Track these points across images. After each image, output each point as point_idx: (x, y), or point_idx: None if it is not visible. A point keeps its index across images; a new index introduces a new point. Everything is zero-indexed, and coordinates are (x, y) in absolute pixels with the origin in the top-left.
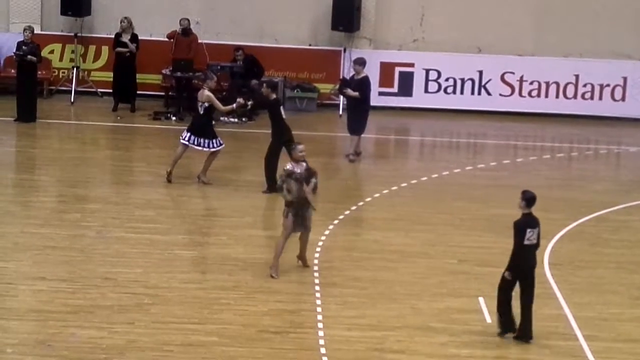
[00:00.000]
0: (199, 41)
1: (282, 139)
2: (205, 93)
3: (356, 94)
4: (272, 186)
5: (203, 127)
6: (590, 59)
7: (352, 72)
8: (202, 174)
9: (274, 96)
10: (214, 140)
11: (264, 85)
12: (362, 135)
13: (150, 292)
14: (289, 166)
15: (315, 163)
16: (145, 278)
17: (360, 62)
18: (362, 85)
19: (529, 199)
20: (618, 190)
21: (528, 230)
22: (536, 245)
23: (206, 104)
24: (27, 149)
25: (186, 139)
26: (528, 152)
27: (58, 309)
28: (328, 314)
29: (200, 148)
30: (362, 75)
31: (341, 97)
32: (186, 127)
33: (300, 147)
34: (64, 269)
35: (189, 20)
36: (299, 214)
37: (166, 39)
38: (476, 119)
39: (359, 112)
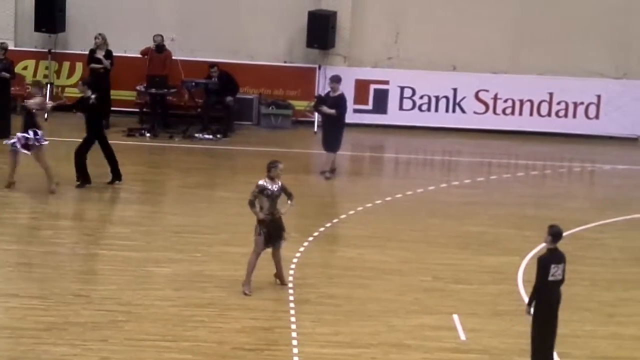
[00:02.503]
0: (174, 57)
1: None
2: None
3: (332, 111)
4: (85, 180)
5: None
6: (564, 77)
7: (327, 89)
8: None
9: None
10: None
11: (80, 83)
12: (338, 153)
13: (123, 309)
14: (261, 182)
15: (291, 180)
16: (118, 295)
17: (336, 80)
18: (339, 102)
19: (555, 234)
20: (591, 208)
21: (552, 265)
22: (561, 281)
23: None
24: (0, 166)
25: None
26: (502, 169)
27: (31, 326)
28: (302, 331)
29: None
30: (338, 92)
31: (316, 114)
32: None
33: (280, 165)
34: (37, 285)
35: (162, 37)
36: (271, 232)
37: (140, 56)
38: (451, 136)
39: (334, 129)
